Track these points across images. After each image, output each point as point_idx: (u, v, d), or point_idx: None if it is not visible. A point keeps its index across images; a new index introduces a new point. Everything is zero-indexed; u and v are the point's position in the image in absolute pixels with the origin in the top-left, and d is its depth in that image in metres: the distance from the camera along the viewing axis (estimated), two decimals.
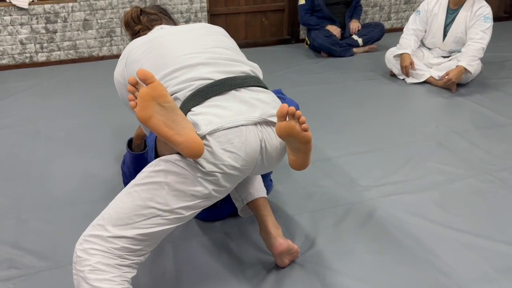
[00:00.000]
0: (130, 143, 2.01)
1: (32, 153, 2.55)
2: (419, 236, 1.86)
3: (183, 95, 1.30)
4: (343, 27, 4.42)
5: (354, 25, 4.40)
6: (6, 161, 2.47)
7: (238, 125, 1.25)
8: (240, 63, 1.44)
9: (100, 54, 4.22)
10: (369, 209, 2.03)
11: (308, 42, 4.50)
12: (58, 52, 4.10)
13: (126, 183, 2.13)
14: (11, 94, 3.44)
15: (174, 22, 1.85)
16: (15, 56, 3.99)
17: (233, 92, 1.31)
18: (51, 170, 2.37)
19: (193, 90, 1.30)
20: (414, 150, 2.55)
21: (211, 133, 1.23)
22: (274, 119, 1.30)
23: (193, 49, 1.42)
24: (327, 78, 3.78)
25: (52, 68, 4.05)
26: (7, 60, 3.98)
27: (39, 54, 4.05)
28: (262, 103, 1.33)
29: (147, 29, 1.72)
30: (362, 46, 4.39)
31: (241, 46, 1.83)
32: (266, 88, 1.45)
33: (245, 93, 1.33)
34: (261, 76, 1.53)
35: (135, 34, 1.75)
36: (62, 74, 3.88)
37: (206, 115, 1.25)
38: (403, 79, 3.62)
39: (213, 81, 1.31)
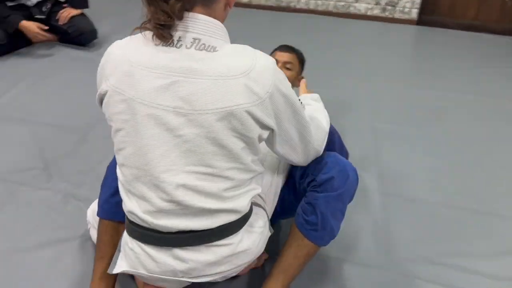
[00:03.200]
0: None
1: None
2: None
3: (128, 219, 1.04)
4: None
5: None
6: None
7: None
8: (209, 215, 0.97)
9: (297, 6, 4.04)
10: None
11: None
12: None
13: None
14: None
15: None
16: None
17: (175, 250, 1.00)
18: None
19: (137, 227, 1.01)
20: None
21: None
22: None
23: (170, 177, 0.93)
24: None
25: (251, 11, 4.09)
26: None
27: None
28: (201, 265, 1.01)
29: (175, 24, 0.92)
30: None
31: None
32: (228, 235, 1.01)
33: (184, 254, 1.00)
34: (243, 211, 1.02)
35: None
36: (256, 19, 3.87)
37: (134, 257, 1.03)
38: None
39: (157, 234, 0.99)
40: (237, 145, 0.93)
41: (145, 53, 0.92)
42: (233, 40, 0.97)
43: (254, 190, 1.04)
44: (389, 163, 1.90)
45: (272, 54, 1.95)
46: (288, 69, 1.87)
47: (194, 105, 0.89)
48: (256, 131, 0.94)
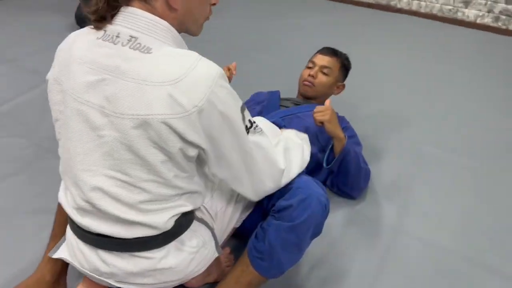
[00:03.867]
0: None
1: None
2: None
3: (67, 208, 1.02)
4: None
5: None
6: None
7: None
8: (126, 225, 0.94)
9: (398, 6, 3.72)
10: None
11: None
12: None
13: None
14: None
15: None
16: None
17: (100, 251, 0.98)
18: None
19: (71, 221, 1.01)
20: None
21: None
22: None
23: (88, 177, 0.91)
24: None
25: (348, 7, 3.89)
26: None
27: None
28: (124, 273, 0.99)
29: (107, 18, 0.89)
30: None
31: None
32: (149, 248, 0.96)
33: (107, 257, 0.98)
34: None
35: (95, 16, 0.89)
36: (351, 16, 3.67)
37: (71, 248, 1.03)
38: None
39: (83, 232, 0.98)
40: (156, 156, 0.87)
41: (85, 47, 0.90)
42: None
43: (182, 207, 0.96)
44: (418, 195, 1.67)
45: (313, 56, 1.82)
46: (324, 74, 1.74)
47: (115, 107, 0.84)
48: (176, 145, 0.85)
